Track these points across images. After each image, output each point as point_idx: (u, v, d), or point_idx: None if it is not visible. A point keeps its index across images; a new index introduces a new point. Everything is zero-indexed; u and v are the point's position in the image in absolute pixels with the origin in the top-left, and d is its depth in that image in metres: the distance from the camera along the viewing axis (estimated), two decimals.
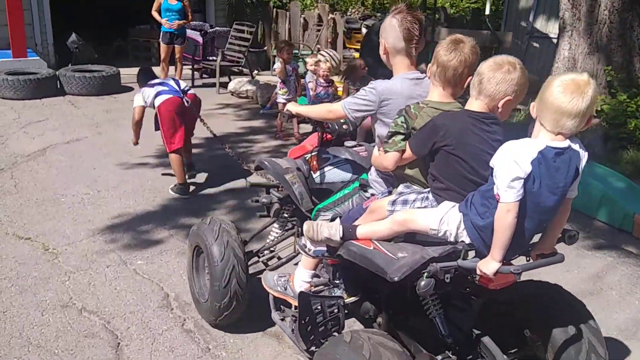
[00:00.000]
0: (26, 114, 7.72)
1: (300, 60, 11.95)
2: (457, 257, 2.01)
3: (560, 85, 1.81)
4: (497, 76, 2.00)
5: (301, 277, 2.68)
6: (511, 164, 1.83)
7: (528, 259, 2.15)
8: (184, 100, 4.93)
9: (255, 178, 4.09)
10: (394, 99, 2.36)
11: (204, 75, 10.85)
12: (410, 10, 2.40)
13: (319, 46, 11.95)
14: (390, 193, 2.37)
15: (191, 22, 11.49)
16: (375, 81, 2.45)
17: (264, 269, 3.17)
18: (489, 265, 1.91)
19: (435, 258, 1.98)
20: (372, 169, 2.52)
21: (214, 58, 10.87)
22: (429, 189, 2.19)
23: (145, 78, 5.24)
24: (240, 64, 10.41)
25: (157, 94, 4.92)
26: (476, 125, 2.06)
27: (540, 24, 10.18)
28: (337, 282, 2.58)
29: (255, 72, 11.09)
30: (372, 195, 2.53)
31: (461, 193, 2.07)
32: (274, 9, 12.78)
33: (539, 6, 10.08)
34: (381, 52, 2.49)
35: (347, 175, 2.80)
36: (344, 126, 2.95)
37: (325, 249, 2.38)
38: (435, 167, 2.14)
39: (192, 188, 5.26)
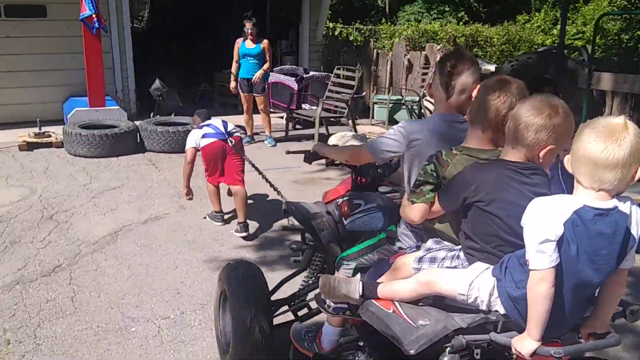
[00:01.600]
0: (99, 177, 6.56)
1: (404, 107, 10.44)
2: (492, 328, 1.76)
3: (592, 132, 1.57)
4: (536, 122, 1.74)
5: (328, 335, 2.51)
6: (539, 224, 1.59)
7: (579, 335, 1.81)
8: (228, 141, 4.99)
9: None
10: (423, 139, 2.16)
11: (297, 126, 9.51)
12: (452, 54, 2.32)
13: (425, 91, 10.38)
14: (419, 248, 2.11)
15: (284, 67, 10.32)
16: (405, 120, 2.34)
17: (293, 320, 2.97)
18: (524, 344, 1.64)
19: (463, 329, 1.74)
20: (402, 220, 2.29)
21: (308, 107, 9.55)
22: (460, 246, 1.94)
23: (199, 119, 5.28)
24: (341, 113, 8.99)
25: (203, 136, 4.98)
26: (514, 177, 1.81)
27: None
28: (362, 344, 2.35)
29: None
30: (400, 249, 2.31)
31: (496, 255, 1.81)
32: (374, 50, 11.37)
33: None
34: (429, 94, 2.44)
35: (379, 224, 2.61)
36: (379, 169, 2.73)
37: (346, 305, 2.17)
38: (468, 224, 1.89)
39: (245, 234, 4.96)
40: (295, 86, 9.18)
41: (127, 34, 9.61)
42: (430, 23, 19.25)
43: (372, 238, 2.50)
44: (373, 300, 1.99)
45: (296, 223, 2.97)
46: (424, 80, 10.68)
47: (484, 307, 1.79)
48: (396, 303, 1.93)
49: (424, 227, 2.15)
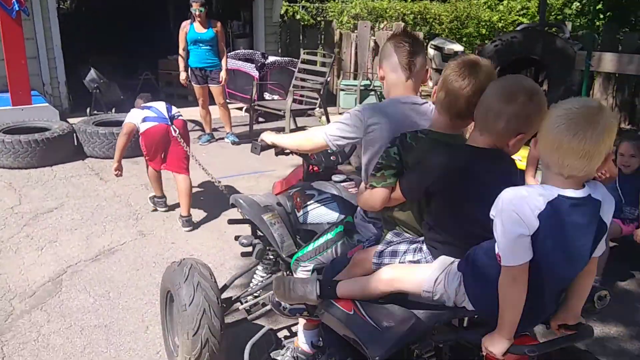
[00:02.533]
0: (31, 196, 5.30)
1: (373, 93, 9.56)
2: (459, 325, 1.75)
3: (562, 115, 1.46)
4: (508, 110, 1.64)
5: (304, 340, 2.39)
6: (512, 218, 1.47)
7: (547, 326, 1.75)
8: (171, 128, 4.62)
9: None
10: (382, 124, 2.05)
11: (260, 119, 8.42)
12: (406, 33, 2.20)
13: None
14: (378, 240, 2.02)
15: (240, 51, 9.19)
16: (362, 104, 2.19)
17: (245, 318, 2.81)
18: (495, 343, 1.56)
19: (430, 329, 1.69)
20: (359, 210, 2.22)
21: (269, 96, 8.49)
22: (423, 238, 1.85)
23: (141, 102, 4.93)
24: (311, 104, 7.98)
25: (144, 120, 4.63)
26: (481, 165, 1.71)
27: None
28: (321, 344, 2.31)
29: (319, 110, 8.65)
30: (359, 241, 2.19)
31: (462, 247, 1.71)
32: (338, 31, 10.37)
33: None
34: (379, 78, 2.23)
35: (334, 215, 2.46)
36: (332, 157, 2.62)
37: (304, 306, 2.09)
38: (431, 214, 1.81)
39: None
40: (255, 74, 8.07)
41: (52, 16, 8.15)
42: (374, 0, 18.57)
43: (329, 232, 2.33)
44: (332, 301, 1.89)
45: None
46: None
47: (450, 303, 1.70)
48: (357, 303, 1.82)
49: (383, 217, 2.01)
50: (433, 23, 17.78)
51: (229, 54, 8.78)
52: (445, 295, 1.68)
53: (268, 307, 2.63)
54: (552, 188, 1.50)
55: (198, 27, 6.78)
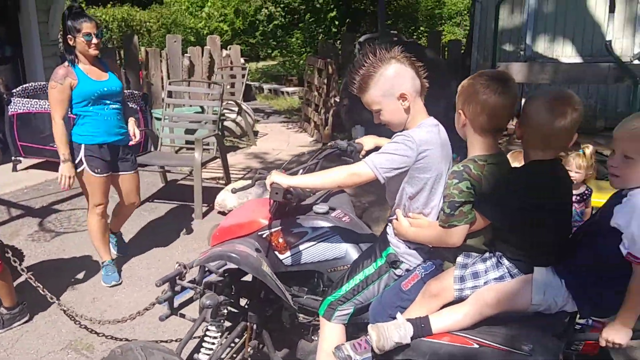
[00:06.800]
0: None
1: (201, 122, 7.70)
2: (562, 328, 1.83)
3: None
4: (566, 126, 1.73)
5: None
6: None
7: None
8: None
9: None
10: (430, 150, 1.97)
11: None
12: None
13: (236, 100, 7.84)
14: (439, 266, 2.00)
15: (29, 85, 6.37)
16: (406, 131, 2.01)
17: None
18: (620, 334, 1.71)
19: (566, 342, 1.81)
20: (395, 240, 2.10)
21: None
22: (491, 253, 1.89)
23: None
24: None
25: None
26: (560, 174, 1.84)
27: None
28: None
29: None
30: (407, 271, 2.08)
31: (550, 257, 1.82)
32: (143, 48, 8.07)
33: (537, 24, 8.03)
34: (394, 108, 1.98)
35: (342, 247, 2.26)
36: (289, 195, 2.15)
37: (370, 355, 1.94)
38: (518, 231, 1.81)
39: None
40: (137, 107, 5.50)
41: None
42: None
43: (365, 267, 2.13)
44: (435, 340, 1.83)
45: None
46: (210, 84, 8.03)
47: (555, 310, 1.78)
48: (466, 335, 1.81)
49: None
50: (142, 31, 16.53)
51: (15, 90, 6.07)
52: (553, 303, 1.77)
53: None
54: None
55: (93, 71, 3.60)
